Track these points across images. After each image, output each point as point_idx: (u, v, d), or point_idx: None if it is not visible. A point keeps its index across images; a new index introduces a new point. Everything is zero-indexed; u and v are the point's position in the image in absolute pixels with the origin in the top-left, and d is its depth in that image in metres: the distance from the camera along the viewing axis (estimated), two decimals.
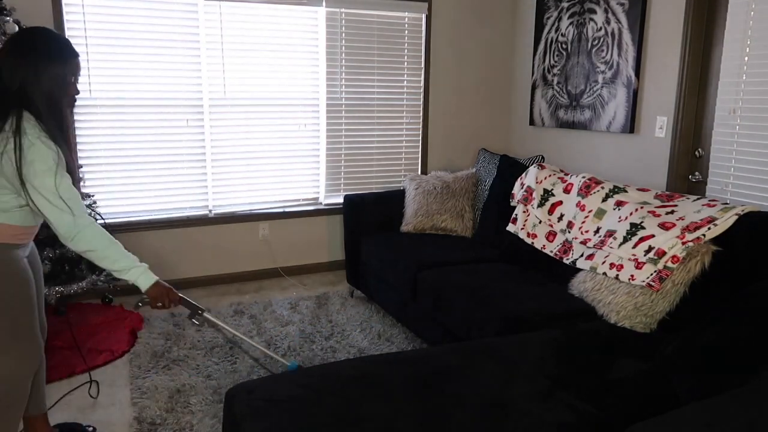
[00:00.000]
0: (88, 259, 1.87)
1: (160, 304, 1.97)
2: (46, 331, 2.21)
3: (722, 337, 1.78)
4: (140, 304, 2.01)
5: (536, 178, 3.18)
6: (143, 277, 1.93)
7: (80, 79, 3.65)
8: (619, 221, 2.60)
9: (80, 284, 3.24)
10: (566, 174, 3.15)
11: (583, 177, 2.97)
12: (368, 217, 3.83)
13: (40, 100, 1.82)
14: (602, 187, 2.84)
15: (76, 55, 1.94)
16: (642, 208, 2.57)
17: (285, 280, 4.28)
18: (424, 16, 4.39)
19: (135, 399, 2.59)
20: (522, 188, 3.26)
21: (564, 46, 4.09)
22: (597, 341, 2.15)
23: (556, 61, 4.19)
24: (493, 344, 2.08)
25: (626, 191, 2.76)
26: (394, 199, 3.94)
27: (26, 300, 1.92)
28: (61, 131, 1.86)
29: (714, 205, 2.38)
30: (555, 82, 4.20)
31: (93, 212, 3.42)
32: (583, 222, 2.82)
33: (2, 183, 1.80)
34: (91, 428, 2.36)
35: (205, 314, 2.17)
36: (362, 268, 3.73)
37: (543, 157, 3.87)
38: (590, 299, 2.53)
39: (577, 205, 2.90)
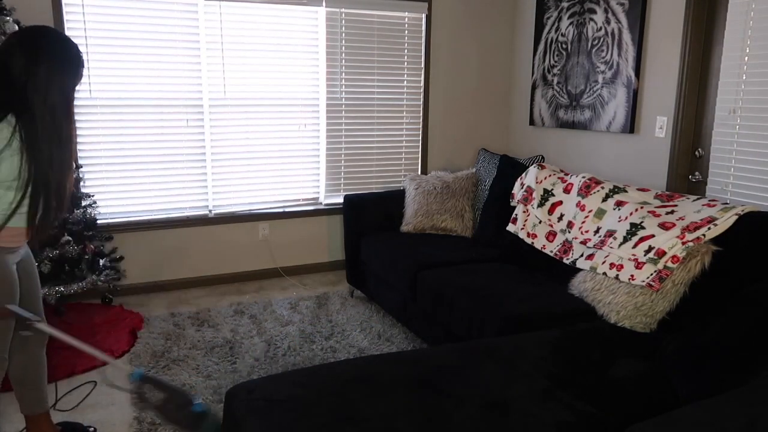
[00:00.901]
0: None
1: None
2: (47, 337, 2.18)
3: (722, 337, 1.78)
4: None
5: (536, 178, 3.18)
6: None
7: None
8: (619, 221, 2.60)
9: (80, 284, 3.24)
10: (566, 174, 3.15)
11: (583, 177, 2.97)
12: (368, 217, 3.83)
13: (42, 110, 1.79)
14: (602, 187, 2.84)
15: (83, 64, 1.93)
16: (642, 208, 2.57)
17: (285, 280, 4.28)
18: (424, 16, 4.39)
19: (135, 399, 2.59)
20: (522, 188, 3.26)
21: (564, 46, 4.09)
22: (597, 341, 2.15)
23: (556, 61, 4.19)
24: (493, 344, 2.08)
25: (626, 191, 2.76)
26: (394, 199, 3.94)
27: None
28: (59, 142, 1.84)
29: (714, 205, 2.38)
30: (555, 82, 4.20)
31: (91, 213, 3.43)
32: (583, 222, 2.82)
33: None
34: (92, 429, 2.36)
35: (37, 324, 1.93)
36: (362, 268, 3.73)
37: (543, 157, 3.87)
38: (590, 299, 2.53)
39: (577, 205, 2.90)
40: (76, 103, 3.60)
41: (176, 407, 1.83)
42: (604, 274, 2.51)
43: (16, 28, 3.00)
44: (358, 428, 1.55)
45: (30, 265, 2.11)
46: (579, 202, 2.89)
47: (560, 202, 3.02)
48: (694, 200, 2.51)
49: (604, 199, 2.78)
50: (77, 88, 1.93)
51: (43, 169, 1.81)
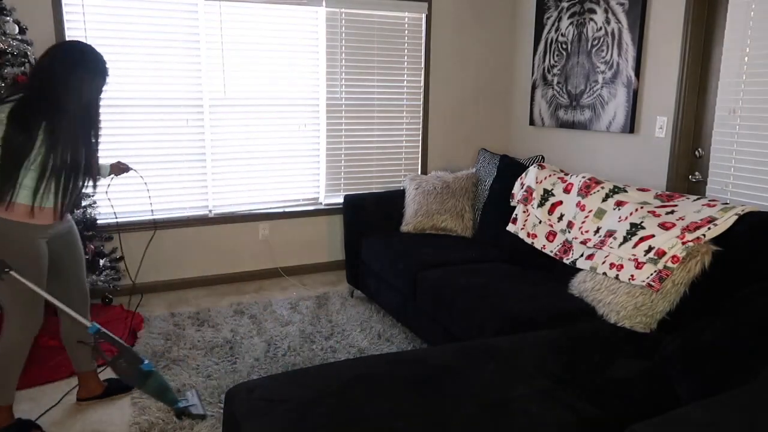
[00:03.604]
0: None
1: None
2: (89, 300, 2.51)
3: (722, 336, 1.78)
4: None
5: (536, 178, 3.18)
6: None
7: None
8: (619, 221, 2.60)
9: None
10: (566, 174, 3.15)
11: (583, 177, 2.97)
12: (368, 217, 3.83)
13: (77, 109, 2.13)
14: (602, 187, 2.84)
15: (107, 71, 2.27)
16: (642, 208, 2.57)
17: (285, 280, 4.28)
18: (424, 16, 4.39)
19: (135, 399, 2.59)
20: (522, 188, 3.26)
21: (564, 46, 4.09)
22: (597, 341, 2.15)
23: (556, 61, 4.19)
24: (493, 344, 2.08)
25: (626, 191, 2.76)
26: (394, 199, 3.94)
27: (29, 277, 2.14)
28: (91, 133, 2.22)
29: (714, 205, 2.38)
30: (555, 82, 4.20)
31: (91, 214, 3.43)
32: (583, 222, 2.82)
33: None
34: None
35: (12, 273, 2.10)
36: (362, 268, 3.73)
37: (543, 157, 3.88)
38: (590, 299, 2.53)
39: (577, 205, 2.90)
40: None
41: (127, 363, 2.17)
42: (604, 274, 2.51)
43: (17, 28, 3.01)
44: (358, 428, 1.55)
45: (70, 242, 2.39)
46: (579, 202, 2.89)
47: (560, 202, 3.02)
48: (694, 200, 2.51)
49: (604, 199, 2.78)
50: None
51: (70, 157, 2.13)
